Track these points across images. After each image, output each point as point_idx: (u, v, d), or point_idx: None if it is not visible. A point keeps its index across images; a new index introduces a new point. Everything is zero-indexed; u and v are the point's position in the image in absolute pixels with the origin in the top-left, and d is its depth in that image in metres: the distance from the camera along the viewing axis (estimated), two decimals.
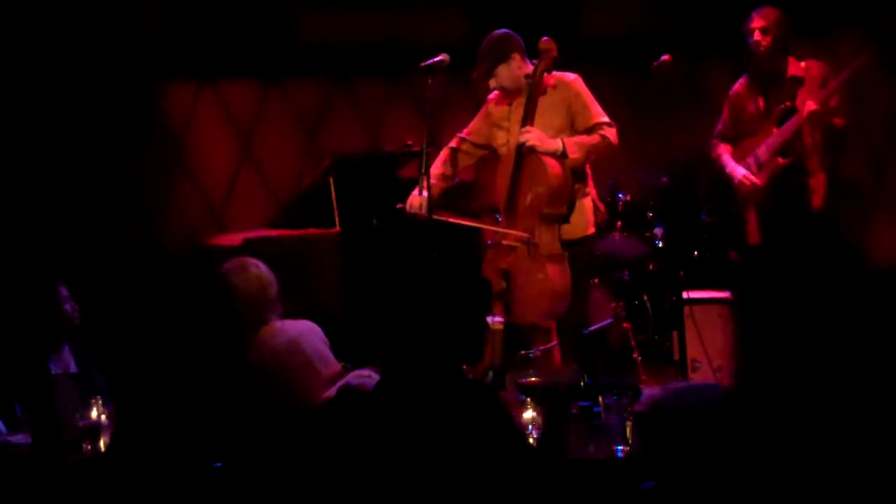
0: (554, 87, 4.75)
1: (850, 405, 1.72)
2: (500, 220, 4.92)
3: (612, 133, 4.68)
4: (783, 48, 4.82)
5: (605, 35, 7.22)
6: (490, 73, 4.74)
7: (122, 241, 6.72)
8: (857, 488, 1.67)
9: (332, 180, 5.45)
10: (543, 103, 4.74)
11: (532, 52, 4.82)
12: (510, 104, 4.85)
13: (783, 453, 1.70)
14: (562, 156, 4.63)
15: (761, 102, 4.91)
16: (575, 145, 4.62)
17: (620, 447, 3.66)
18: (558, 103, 4.73)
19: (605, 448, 3.65)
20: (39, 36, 6.39)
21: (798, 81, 4.79)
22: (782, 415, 1.73)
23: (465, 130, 5.00)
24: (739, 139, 5.02)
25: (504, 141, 4.85)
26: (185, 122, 6.92)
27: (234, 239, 5.11)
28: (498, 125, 4.89)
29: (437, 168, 4.86)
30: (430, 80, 4.68)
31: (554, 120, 4.72)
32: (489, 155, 5.00)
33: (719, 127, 5.14)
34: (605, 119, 4.71)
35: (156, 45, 6.69)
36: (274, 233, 5.37)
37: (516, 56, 4.74)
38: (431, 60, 4.69)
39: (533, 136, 4.63)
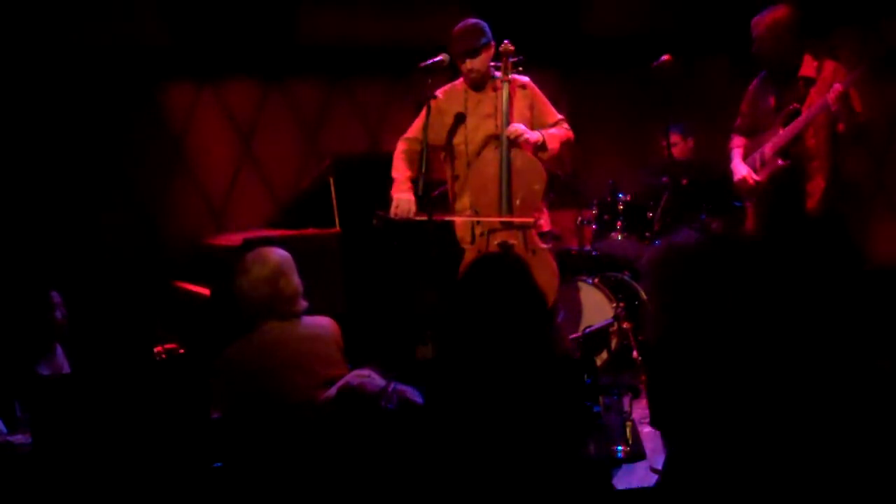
0: (522, 87, 4.95)
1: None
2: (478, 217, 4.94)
3: (569, 127, 5.01)
4: (788, 51, 4.79)
5: (604, 35, 7.22)
6: (476, 53, 4.79)
7: (122, 241, 6.72)
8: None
9: (331, 180, 5.45)
10: (515, 102, 4.89)
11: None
12: (466, 101, 4.90)
13: None
14: (541, 147, 4.86)
15: (772, 100, 4.90)
16: (551, 138, 4.90)
17: (620, 447, 3.66)
18: (525, 102, 4.94)
19: (605, 448, 3.65)
20: (39, 36, 6.39)
21: (809, 82, 4.77)
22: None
23: (412, 131, 5.01)
24: (754, 134, 5.02)
25: (462, 139, 4.91)
26: (185, 122, 6.92)
27: (234, 239, 5.11)
28: (453, 123, 4.91)
29: (405, 172, 4.90)
30: (429, 80, 4.74)
31: (523, 118, 4.92)
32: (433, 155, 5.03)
33: (738, 121, 5.14)
34: (562, 116, 5.03)
35: (156, 45, 6.68)
36: (274, 233, 5.36)
37: (493, 46, 4.84)
38: (431, 60, 4.74)
39: (522, 130, 4.82)
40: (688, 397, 1.80)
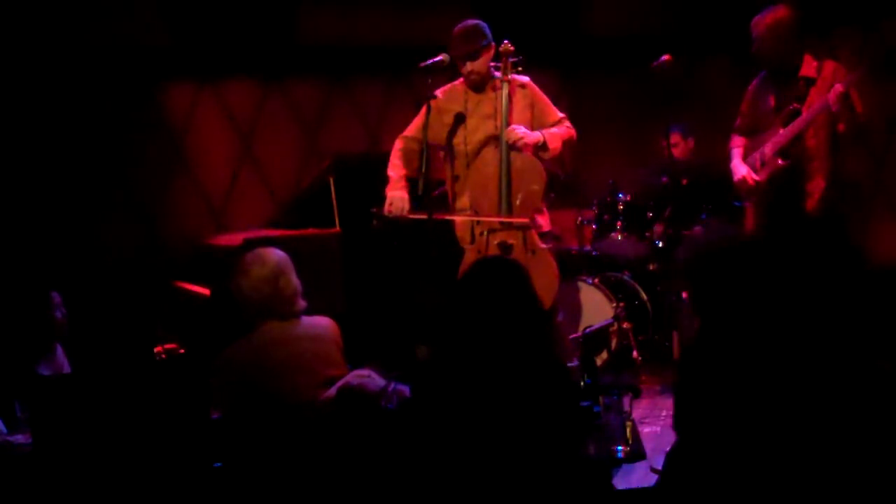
0: (522, 87, 4.93)
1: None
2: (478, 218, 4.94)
3: (571, 126, 4.98)
4: (788, 51, 4.79)
5: (604, 35, 7.22)
6: (476, 56, 4.78)
7: (122, 241, 6.72)
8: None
9: (331, 180, 5.45)
10: (515, 102, 4.88)
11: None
12: (466, 101, 4.90)
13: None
14: (542, 147, 4.84)
15: (773, 100, 4.90)
16: (552, 137, 4.87)
17: (620, 447, 3.67)
18: (525, 102, 4.92)
19: (605, 448, 3.65)
20: (39, 36, 6.39)
21: (809, 82, 4.77)
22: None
23: (410, 130, 5.01)
24: (754, 133, 5.02)
25: (461, 139, 4.90)
26: (185, 122, 6.92)
27: (234, 239, 5.11)
28: (453, 123, 4.91)
29: (401, 170, 4.90)
30: (429, 80, 4.73)
31: (524, 118, 4.91)
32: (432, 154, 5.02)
33: (738, 121, 5.14)
34: (563, 115, 5.00)
35: (156, 45, 6.68)
36: (274, 233, 5.36)
37: (493, 47, 4.82)
38: (431, 60, 4.73)
39: (521, 132, 4.79)
40: (720, 399, 1.78)
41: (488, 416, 2.59)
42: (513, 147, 4.81)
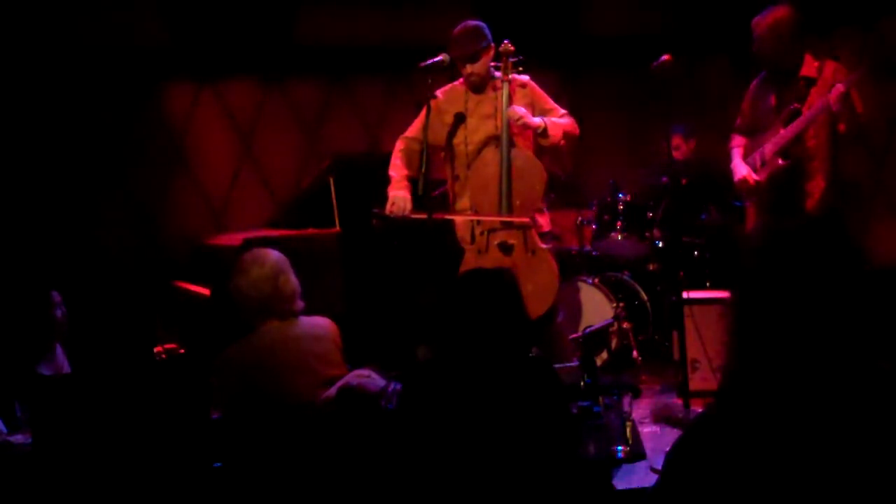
0: (522, 86, 4.93)
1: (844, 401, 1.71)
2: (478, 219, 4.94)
3: (574, 122, 4.96)
4: (789, 51, 4.79)
5: (604, 34, 7.22)
6: (475, 58, 4.78)
7: (122, 241, 6.73)
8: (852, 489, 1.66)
9: (331, 180, 5.45)
10: (515, 102, 4.87)
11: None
12: (466, 101, 4.90)
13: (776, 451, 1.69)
14: (543, 134, 4.81)
15: (773, 100, 4.90)
16: (554, 125, 4.85)
17: (620, 447, 3.67)
18: (525, 102, 4.90)
19: (605, 448, 3.65)
20: (39, 36, 6.39)
21: (810, 82, 4.77)
22: (774, 412, 1.72)
23: (411, 131, 5.02)
24: (754, 133, 5.02)
25: (462, 139, 4.90)
26: (185, 122, 6.92)
27: (234, 239, 5.11)
28: (453, 123, 4.92)
29: (402, 170, 4.90)
30: (429, 80, 4.73)
31: None
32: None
33: (738, 120, 5.14)
34: (564, 111, 4.99)
35: (156, 45, 6.69)
36: (274, 233, 5.37)
37: (493, 48, 4.82)
38: (431, 60, 4.73)
39: (523, 111, 4.78)
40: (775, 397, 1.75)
41: (477, 418, 2.61)
42: (513, 144, 4.80)
